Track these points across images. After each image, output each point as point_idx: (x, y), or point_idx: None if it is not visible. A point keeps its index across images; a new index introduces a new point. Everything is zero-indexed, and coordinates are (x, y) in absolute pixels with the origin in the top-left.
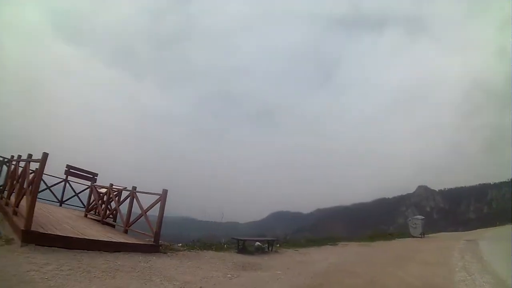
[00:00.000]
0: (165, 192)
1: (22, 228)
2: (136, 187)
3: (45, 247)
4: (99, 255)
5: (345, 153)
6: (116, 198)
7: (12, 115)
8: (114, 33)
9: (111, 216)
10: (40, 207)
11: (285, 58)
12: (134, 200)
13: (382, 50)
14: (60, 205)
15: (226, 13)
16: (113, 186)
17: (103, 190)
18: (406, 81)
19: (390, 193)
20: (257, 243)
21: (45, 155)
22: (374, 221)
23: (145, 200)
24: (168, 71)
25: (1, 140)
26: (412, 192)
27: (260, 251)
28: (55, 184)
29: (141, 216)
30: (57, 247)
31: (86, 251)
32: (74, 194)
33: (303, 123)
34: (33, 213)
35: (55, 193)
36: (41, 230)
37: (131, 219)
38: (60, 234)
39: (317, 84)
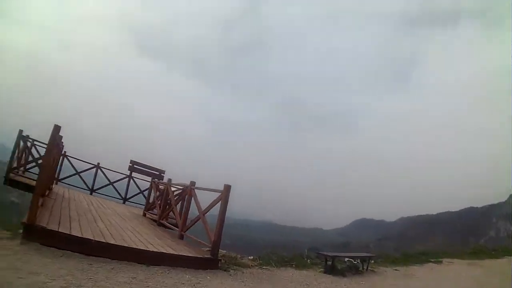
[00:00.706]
0: (227, 188)
1: (24, 221)
2: (194, 182)
3: (52, 248)
4: (125, 269)
5: (424, 158)
6: (175, 196)
7: (103, 125)
8: (190, 47)
9: (171, 216)
10: (94, 201)
11: (356, 60)
12: (193, 199)
13: (458, 46)
14: (124, 202)
15: (295, 20)
16: (172, 183)
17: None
18: (484, 77)
19: (479, 202)
20: (348, 259)
21: None
22: (462, 232)
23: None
24: (242, 80)
25: (93, 146)
26: (504, 200)
27: (352, 270)
28: (118, 180)
29: (198, 219)
30: (70, 250)
31: (109, 260)
32: (138, 191)
33: (376, 126)
34: (37, 203)
35: (119, 190)
36: (51, 226)
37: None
38: (74, 234)
39: (391, 85)
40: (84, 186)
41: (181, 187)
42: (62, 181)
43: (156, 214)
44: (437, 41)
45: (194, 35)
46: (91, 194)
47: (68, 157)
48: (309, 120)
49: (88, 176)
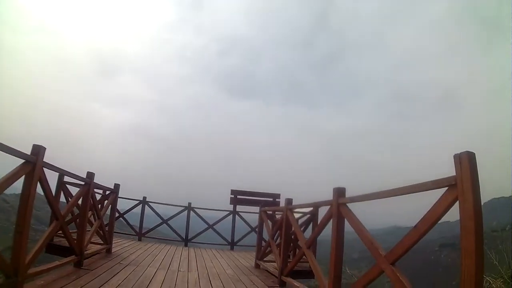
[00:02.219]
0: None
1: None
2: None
3: None
4: None
5: None
6: (300, 228)
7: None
8: (279, 77)
9: (304, 260)
10: (184, 258)
11: (440, 32)
12: None
13: None
14: (231, 248)
15: (364, 15)
16: (292, 206)
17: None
18: None
19: None
20: None
21: None
22: None
23: None
24: (337, 89)
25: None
26: None
27: None
28: (219, 221)
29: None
30: None
31: None
32: (250, 229)
33: (487, 92)
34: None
35: (223, 234)
36: None
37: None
38: None
39: (487, 43)
40: (175, 236)
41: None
42: (147, 235)
43: (274, 261)
44: None
45: (276, 66)
46: (186, 245)
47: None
48: (417, 109)
49: (179, 222)
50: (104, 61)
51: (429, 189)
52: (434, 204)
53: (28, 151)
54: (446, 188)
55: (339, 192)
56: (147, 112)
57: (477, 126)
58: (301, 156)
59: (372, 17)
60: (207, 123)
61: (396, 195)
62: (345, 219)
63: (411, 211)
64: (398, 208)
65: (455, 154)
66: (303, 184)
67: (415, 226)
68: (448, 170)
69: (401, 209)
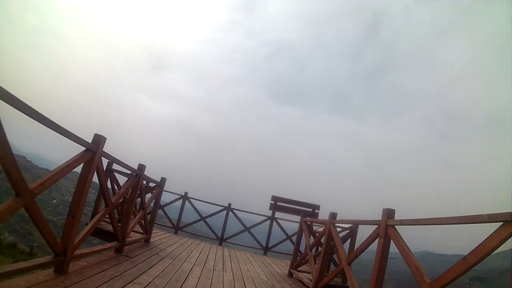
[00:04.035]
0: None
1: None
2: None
3: None
4: None
5: None
6: (342, 244)
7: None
8: (325, 86)
9: (340, 275)
10: (219, 257)
11: (493, 50)
12: None
13: None
14: (265, 253)
15: (414, 29)
16: (336, 220)
17: (321, 229)
18: None
19: None
20: None
21: None
22: None
23: None
24: (383, 103)
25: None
26: None
27: None
28: (256, 225)
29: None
30: None
31: None
32: (285, 237)
33: None
34: None
35: (258, 238)
36: None
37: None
38: None
39: None
40: (211, 234)
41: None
42: (183, 229)
43: (308, 272)
44: None
45: (323, 74)
46: (220, 244)
47: (190, 199)
48: (464, 130)
49: (216, 220)
50: (155, 55)
51: (484, 222)
52: (487, 238)
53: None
54: (501, 223)
55: (389, 214)
56: (192, 109)
57: None
58: (342, 169)
59: (423, 31)
60: (249, 125)
61: (449, 224)
62: (392, 241)
63: (442, 238)
64: (429, 233)
65: None
66: (342, 197)
67: (464, 257)
68: (494, 197)
69: (432, 235)
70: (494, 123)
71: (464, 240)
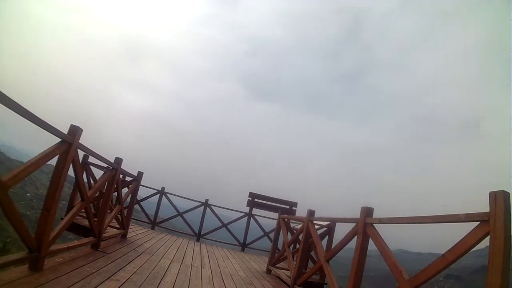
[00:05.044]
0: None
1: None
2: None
3: None
4: None
5: None
6: (320, 241)
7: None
8: (302, 84)
9: (318, 272)
10: (196, 253)
11: (471, 58)
12: None
13: None
14: (242, 250)
15: (395, 33)
16: (314, 218)
17: (299, 226)
18: None
19: None
20: None
21: None
22: None
23: None
24: (359, 104)
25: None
26: None
27: None
28: (234, 221)
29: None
30: None
31: None
32: (263, 233)
33: None
34: None
35: (235, 234)
36: None
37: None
38: None
39: None
40: (188, 230)
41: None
42: (160, 224)
43: (286, 269)
44: None
45: (301, 72)
46: (197, 240)
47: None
48: (439, 133)
49: (193, 216)
50: (132, 46)
51: (461, 221)
52: (465, 237)
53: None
54: (478, 222)
55: (367, 212)
56: (168, 102)
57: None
58: (320, 167)
59: (403, 36)
60: (226, 120)
61: (427, 223)
62: (370, 239)
63: (417, 236)
64: (405, 232)
65: (491, 191)
66: (319, 195)
67: (443, 255)
68: (466, 199)
69: (407, 234)
70: (467, 128)
71: (439, 239)
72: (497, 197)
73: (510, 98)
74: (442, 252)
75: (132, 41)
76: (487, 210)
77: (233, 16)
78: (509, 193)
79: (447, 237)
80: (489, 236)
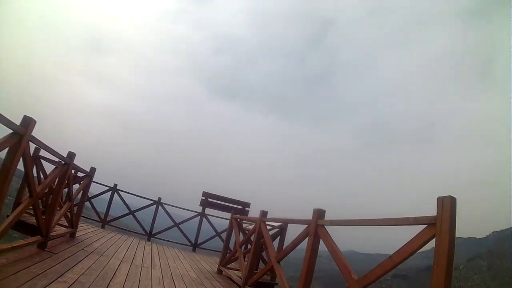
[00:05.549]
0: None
1: None
2: (266, 212)
3: None
4: None
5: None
6: (272, 242)
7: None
8: (265, 85)
9: (269, 272)
10: (147, 252)
11: (429, 70)
12: None
13: None
14: (194, 250)
15: (359, 41)
16: (266, 219)
17: (252, 227)
18: None
19: None
20: None
21: None
22: None
23: None
24: (320, 108)
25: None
26: None
27: None
28: (186, 221)
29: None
30: None
31: None
32: (214, 233)
33: (465, 132)
34: None
35: (187, 234)
36: None
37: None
38: None
39: (472, 86)
40: (139, 229)
41: (276, 225)
42: (111, 223)
43: (237, 269)
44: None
45: (265, 73)
46: (148, 240)
47: (119, 191)
48: (394, 139)
49: (145, 215)
50: (96, 36)
51: (410, 224)
52: (411, 239)
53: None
54: (425, 225)
55: (319, 214)
56: (130, 97)
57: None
58: (274, 167)
59: (368, 43)
60: (187, 118)
61: (377, 225)
62: (321, 240)
63: (366, 238)
64: (355, 233)
65: (439, 196)
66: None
67: (390, 256)
68: (416, 202)
69: (357, 235)
70: (420, 135)
71: (388, 241)
72: (444, 202)
73: (460, 111)
74: (390, 253)
75: (97, 31)
76: (435, 214)
77: (201, 13)
78: (455, 199)
79: (396, 238)
80: (435, 239)
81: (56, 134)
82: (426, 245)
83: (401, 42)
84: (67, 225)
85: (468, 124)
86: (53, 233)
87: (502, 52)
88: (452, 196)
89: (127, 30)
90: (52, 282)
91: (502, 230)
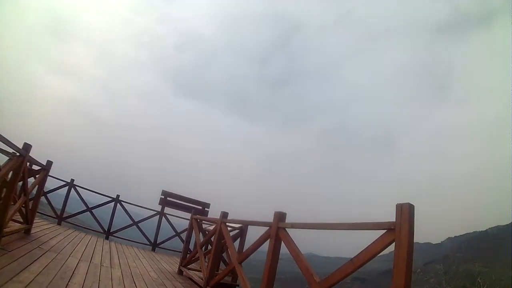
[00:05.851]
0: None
1: None
2: (227, 213)
3: None
4: None
5: (470, 173)
6: (232, 243)
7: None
8: (228, 85)
9: (230, 273)
10: (105, 251)
11: (393, 80)
12: None
13: (495, 46)
14: (153, 249)
15: (326, 47)
16: (227, 220)
17: (212, 228)
18: None
19: None
20: None
21: None
22: None
23: None
24: (283, 110)
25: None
26: None
27: None
28: (145, 219)
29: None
30: None
31: None
32: (174, 233)
33: (423, 143)
34: None
35: (146, 233)
36: None
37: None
38: None
39: (433, 99)
40: (97, 227)
41: (237, 227)
42: (67, 220)
43: (198, 270)
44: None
45: (228, 73)
46: (107, 238)
47: (76, 187)
48: (356, 145)
49: (102, 212)
50: (58, 23)
51: (370, 229)
52: (372, 243)
53: None
54: (385, 230)
55: (280, 217)
56: (90, 89)
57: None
58: (236, 170)
59: (334, 50)
60: (148, 115)
61: (338, 229)
62: (282, 242)
63: (325, 241)
64: (315, 236)
65: (398, 203)
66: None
67: (351, 259)
68: (376, 208)
69: (317, 238)
70: (382, 143)
71: (347, 244)
72: (403, 209)
73: (421, 122)
74: (349, 257)
75: (59, 17)
76: (394, 219)
77: (168, 7)
78: (413, 206)
79: (355, 242)
80: (394, 243)
81: (10, 123)
82: (387, 249)
83: (369, 50)
84: (22, 221)
85: (426, 136)
86: (6, 229)
87: (462, 68)
88: (410, 203)
89: (90, 18)
90: (7, 282)
91: (456, 236)
